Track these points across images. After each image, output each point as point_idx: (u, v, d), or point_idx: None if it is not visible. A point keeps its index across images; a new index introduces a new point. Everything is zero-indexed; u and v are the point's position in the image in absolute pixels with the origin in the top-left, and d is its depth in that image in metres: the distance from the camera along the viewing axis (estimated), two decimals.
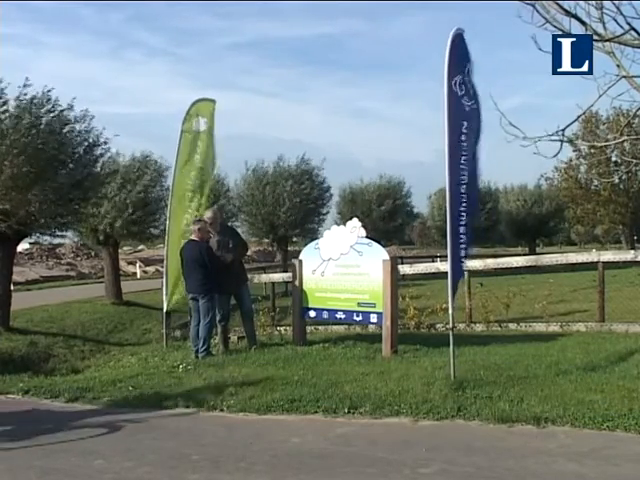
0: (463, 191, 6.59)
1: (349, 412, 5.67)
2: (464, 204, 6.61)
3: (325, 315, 8.84)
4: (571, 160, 30.27)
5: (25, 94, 11.93)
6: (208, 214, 9.19)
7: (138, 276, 34.84)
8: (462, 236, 6.67)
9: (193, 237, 8.76)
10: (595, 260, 10.68)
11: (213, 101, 10.61)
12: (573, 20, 4.98)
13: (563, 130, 5.38)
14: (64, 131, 12.70)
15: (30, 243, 28.81)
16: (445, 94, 6.37)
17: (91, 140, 13.24)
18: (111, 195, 17.19)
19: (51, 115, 12.35)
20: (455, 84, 6.45)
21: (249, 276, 10.41)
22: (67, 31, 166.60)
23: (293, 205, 26.29)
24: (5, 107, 11.83)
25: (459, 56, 6.56)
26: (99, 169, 14.10)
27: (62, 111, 12.47)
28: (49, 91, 12.22)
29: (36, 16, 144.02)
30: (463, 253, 6.72)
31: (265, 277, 15.72)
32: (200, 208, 10.08)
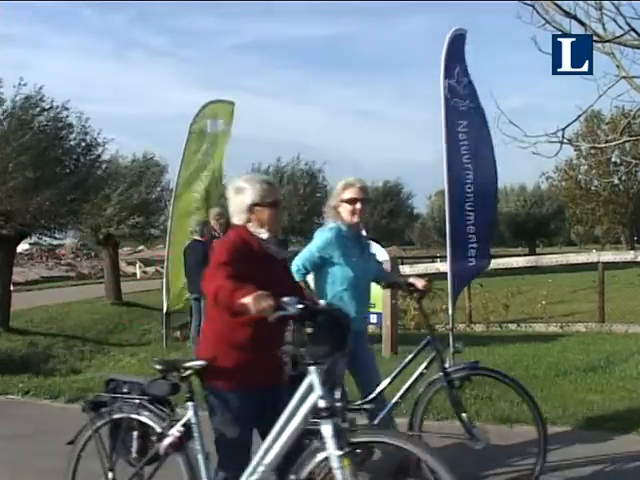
0: (469, 190, 6.54)
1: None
2: (470, 203, 6.56)
3: None
4: (572, 160, 30.29)
5: (23, 94, 11.92)
6: (216, 211, 9.18)
7: (138, 277, 34.84)
8: (471, 236, 6.63)
9: (197, 237, 8.76)
10: (595, 261, 10.69)
11: (232, 103, 10.44)
12: (573, 21, 4.99)
13: (563, 130, 5.39)
14: (63, 132, 12.70)
15: (30, 244, 28.81)
16: (442, 95, 6.37)
17: (88, 140, 13.25)
18: (115, 197, 17.17)
19: (51, 115, 12.36)
20: (447, 85, 6.45)
21: None
22: (69, 32, 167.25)
23: (292, 207, 26.23)
24: (9, 110, 11.83)
25: (455, 57, 6.55)
26: (100, 171, 14.11)
27: (60, 111, 12.48)
28: (41, 88, 12.17)
29: (37, 17, 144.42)
30: (473, 253, 6.67)
31: None
32: (206, 210, 10.07)
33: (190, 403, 2.88)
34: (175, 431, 2.88)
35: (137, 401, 3.03)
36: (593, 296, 11.24)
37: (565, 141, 5.61)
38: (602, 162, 27.75)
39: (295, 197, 26.49)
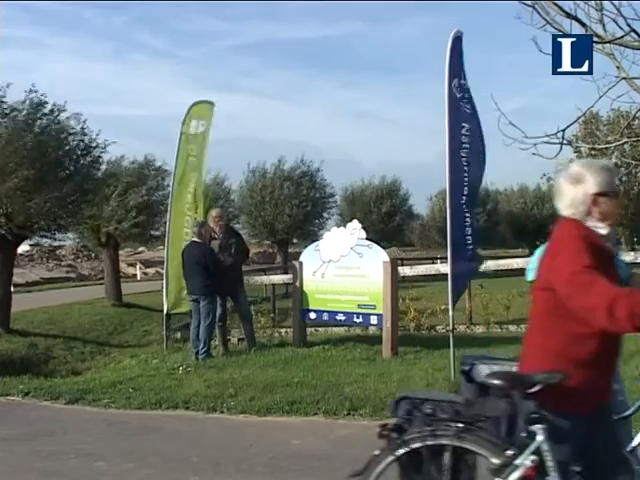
0: (465, 192, 6.61)
1: (349, 414, 5.67)
2: (464, 206, 6.64)
3: (325, 317, 8.85)
4: (571, 161, 30.23)
5: (31, 98, 11.93)
6: (214, 212, 9.22)
7: (138, 278, 34.81)
8: (468, 237, 6.69)
9: (195, 239, 8.76)
10: None
11: (212, 103, 10.63)
12: (573, 22, 4.99)
13: (563, 131, 5.38)
14: (63, 133, 12.70)
15: (30, 245, 28.80)
16: (446, 96, 6.41)
17: (86, 141, 13.24)
18: (114, 197, 17.14)
19: (52, 117, 12.36)
20: (454, 87, 6.50)
21: (247, 278, 10.42)
22: (70, 33, 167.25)
23: (293, 208, 26.18)
24: (13, 113, 11.83)
25: (458, 58, 6.61)
26: (100, 172, 14.11)
27: (60, 112, 12.48)
28: (43, 96, 12.19)
29: (39, 18, 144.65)
30: (470, 254, 6.73)
31: (265, 279, 15.71)
32: (198, 209, 10.10)
33: (539, 426, 2.36)
34: (525, 461, 2.36)
35: (460, 425, 2.47)
36: None
37: (565, 142, 5.60)
38: None
39: (297, 198, 26.43)
